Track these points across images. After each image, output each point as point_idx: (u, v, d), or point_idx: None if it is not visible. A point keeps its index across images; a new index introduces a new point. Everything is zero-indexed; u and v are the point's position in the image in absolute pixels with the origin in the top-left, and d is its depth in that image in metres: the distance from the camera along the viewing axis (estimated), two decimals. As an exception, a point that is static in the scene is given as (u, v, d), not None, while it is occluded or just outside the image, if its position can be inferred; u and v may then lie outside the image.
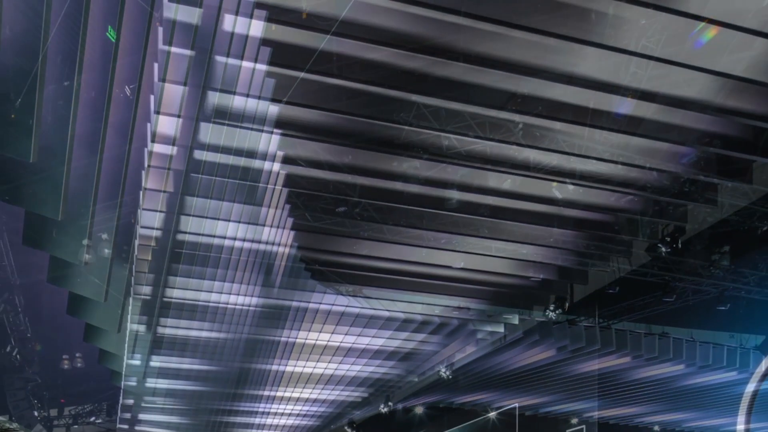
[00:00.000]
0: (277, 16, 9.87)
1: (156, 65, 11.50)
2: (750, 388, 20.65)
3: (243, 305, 18.49)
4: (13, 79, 12.03)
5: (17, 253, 19.90)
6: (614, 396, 22.80)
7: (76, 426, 29.21)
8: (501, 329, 19.35)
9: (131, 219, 15.35)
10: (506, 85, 10.96)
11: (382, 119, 11.72)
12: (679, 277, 17.38)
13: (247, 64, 11.04)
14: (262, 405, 25.45)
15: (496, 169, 12.81)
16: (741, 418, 21.14)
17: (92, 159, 13.37)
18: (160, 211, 14.79)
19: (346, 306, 17.94)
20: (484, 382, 23.47)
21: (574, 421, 26.09)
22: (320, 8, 9.97)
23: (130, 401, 25.78)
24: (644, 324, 19.97)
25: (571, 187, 13.33)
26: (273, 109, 11.65)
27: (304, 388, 23.63)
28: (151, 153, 13.21)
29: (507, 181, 13.11)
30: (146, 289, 17.78)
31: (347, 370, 22.02)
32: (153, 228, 15.29)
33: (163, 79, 11.67)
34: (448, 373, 21.27)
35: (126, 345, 20.70)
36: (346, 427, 27.92)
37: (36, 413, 27.11)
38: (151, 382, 23.93)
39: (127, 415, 27.62)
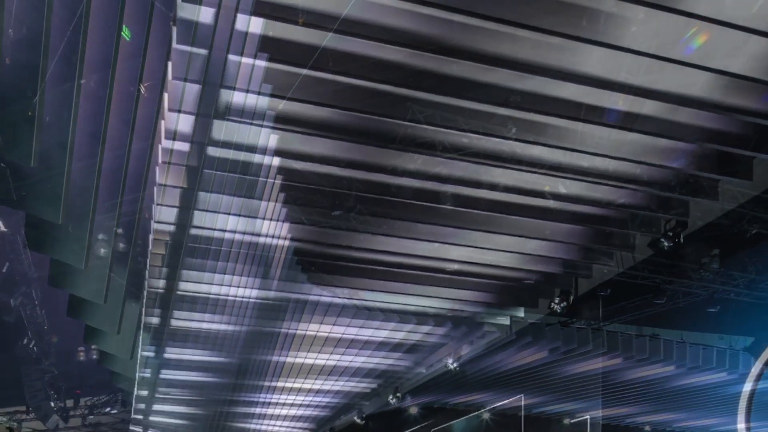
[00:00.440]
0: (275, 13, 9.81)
1: (170, 64, 11.41)
2: (747, 387, 20.43)
3: (256, 298, 18.32)
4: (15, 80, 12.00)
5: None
6: (606, 396, 22.59)
7: (91, 416, 29.09)
8: (507, 321, 19.12)
9: (145, 214, 15.29)
10: (511, 82, 10.83)
11: (393, 117, 11.63)
12: (669, 280, 17.22)
13: (258, 62, 10.94)
14: (275, 396, 25.34)
15: (501, 165, 12.66)
16: (740, 417, 20.90)
17: (93, 160, 13.31)
18: (173, 207, 14.66)
19: (357, 299, 17.86)
20: (479, 383, 23.35)
21: (566, 421, 25.88)
22: (330, 7, 9.89)
23: (145, 392, 25.60)
24: (635, 326, 19.80)
25: (567, 182, 13.17)
26: (284, 106, 11.55)
27: (316, 379, 23.51)
28: (170, 150, 13.08)
29: (511, 177, 12.99)
30: (160, 283, 17.63)
31: (351, 361, 21.97)
32: (166, 223, 15.15)
33: (183, 78, 11.53)
34: (455, 365, 21.06)
35: (140, 338, 20.57)
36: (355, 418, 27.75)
37: (52, 404, 26.96)
38: (165, 374, 23.79)
39: (141, 406, 27.44)
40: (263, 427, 29.26)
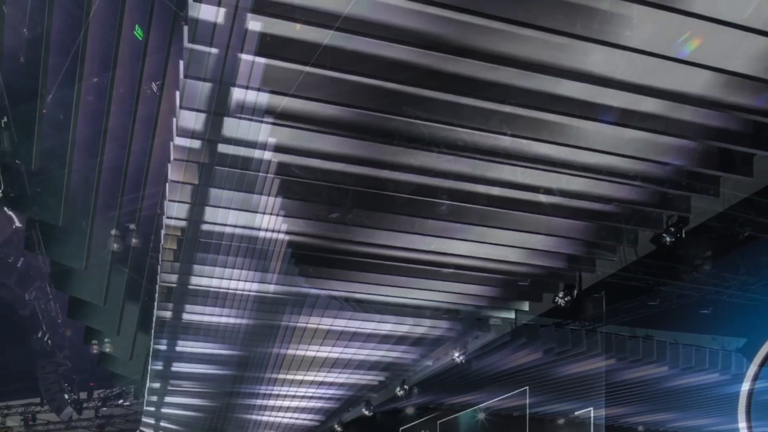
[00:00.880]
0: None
1: (181, 62, 11.31)
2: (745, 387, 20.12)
3: (266, 293, 18.23)
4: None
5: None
6: (600, 397, 22.33)
7: (104, 408, 29.01)
8: (512, 315, 19.01)
9: (156, 210, 15.20)
10: (516, 81, 10.70)
11: (402, 115, 11.55)
12: (662, 282, 17.05)
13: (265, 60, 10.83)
14: (285, 388, 25.22)
15: (508, 163, 12.52)
16: (740, 417, 20.56)
17: (93, 161, 13.23)
18: (184, 203, 14.53)
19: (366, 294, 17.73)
20: (475, 383, 23.18)
21: (561, 421, 25.58)
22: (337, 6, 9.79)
23: (157, 384, 25.47)
24: (629, 327, 19.59)
25: (571, 179, 13.03)
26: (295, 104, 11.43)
27: (328, 372, 23.44)
28: (186, 149, 12.98)
29: (517, 173, 12.88)
30: (172, 277, 17.50)
31: (354, 353, 21.79)
32: (177, 218, 15.03)
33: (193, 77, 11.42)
34: (462, 358, 20.84)
35: (153, 331, 20.46)
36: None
37: (66, 396, 26.86)
38: (177, 367, 23.66)
39: (154, 398, 27.29)
40: (271, 419, 29.09)
